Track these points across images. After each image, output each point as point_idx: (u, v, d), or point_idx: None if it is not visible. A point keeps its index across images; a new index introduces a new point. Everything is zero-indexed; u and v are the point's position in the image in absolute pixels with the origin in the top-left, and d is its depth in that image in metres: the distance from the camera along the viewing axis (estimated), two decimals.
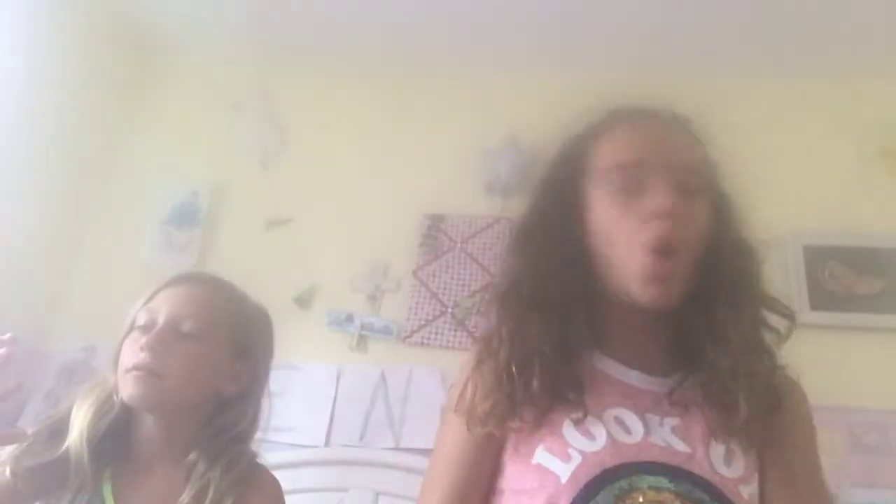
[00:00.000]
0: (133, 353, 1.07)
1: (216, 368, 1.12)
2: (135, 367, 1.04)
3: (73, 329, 2.24)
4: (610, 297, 0.86)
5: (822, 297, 2.11)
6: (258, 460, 1.14)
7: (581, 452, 0.76)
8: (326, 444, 2.02)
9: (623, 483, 0.74)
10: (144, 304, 1.12)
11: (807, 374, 2.10)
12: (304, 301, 2.25)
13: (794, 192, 2.26)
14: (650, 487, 0.74)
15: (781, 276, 2.17)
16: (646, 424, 0.81)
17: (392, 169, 2.43)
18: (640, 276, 0.81)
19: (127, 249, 2.35)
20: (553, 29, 2.38)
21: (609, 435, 0.78)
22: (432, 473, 0.89)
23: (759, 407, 0.81)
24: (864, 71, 2.36)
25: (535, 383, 0.81)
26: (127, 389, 1.05)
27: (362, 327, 2.20)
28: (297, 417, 2.01)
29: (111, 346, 1.14)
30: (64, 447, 1.02)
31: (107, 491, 1.02)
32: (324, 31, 2.51)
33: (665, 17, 2.30)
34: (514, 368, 0.83)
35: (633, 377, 0.86)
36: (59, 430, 1.05)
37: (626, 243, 0.82)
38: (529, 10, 2.33)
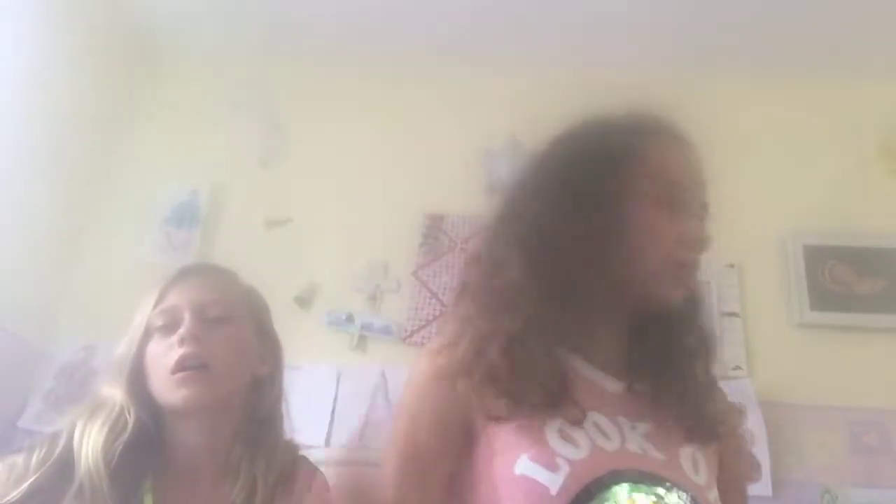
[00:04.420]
0: (167, 354, 1.00)
1: (250, 350, 1.09)
2: (180, 366, 0.99)
3: (73, 329, 2.24)
4: (604, 293, 0.85)
5: (822, 297, 2.11)
6: (301, 453, 1.12)
7: (568, 461, 0.75)
8: (326, 443, 2.02)
9: (609, 493, 0.74)
10: (155, 306, 1.06)
11: (807, 374, 2.11)
12: (304, 301, 2.25)
13: (794, 192, 2.26)
14: (636, 496, 0.75)
15: (781, 276, 2.17)
16: (619, 429, 0.81)
17: (392, 169, 2.43)
18: (669, 283, 0.85)
19: (127, 249, 2.35)
20: (553, 29, 2.38)
21: (591, 441, 0.78)
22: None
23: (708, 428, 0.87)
24: (865, 71, 2.36)
25: (534, 380, 0.79)
26: (178, 393, 0.98)
27: (362, 327, 2.20)
28: (297, 417, 2.00)
29: (111, 350, 1.08)
30: (77, 483, 0.93)
31: (148, 503, 0.96)
32: (324, 31, 2.51)
33: (665, 18, 2.30)
34: (512, 360, 0.81)
35: (601, 377, 0.86)
36: (64, 464, 0.95)
37: (661, 257, 0.84)
38: (529, 10, 2.33)
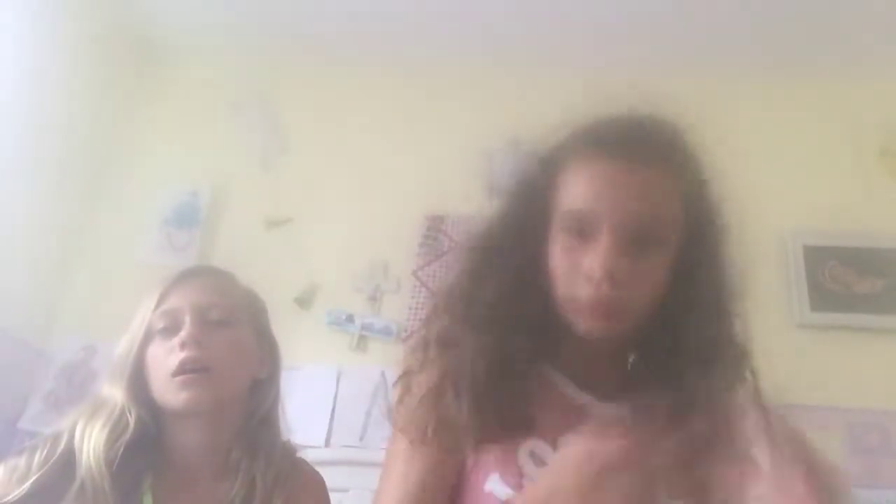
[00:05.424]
0: (169, 357, 1.00)
1: (250, 352, 1.10)
2: (181, 369, 0.99)
3: (73, 329, 2.24)
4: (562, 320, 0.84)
5: (822, 297, 2.12)
6: (298, 455, 1.13)
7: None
8: (327, 444, 2.02)
9: None
10: (156, 307, 1.05)
11: (807, 374, 2.10)
12: (304, 301, 2.25)
13: (794, 192, 2.26)
14: None
15: (781, 276, 2.17)
16: None
17: (392, 169, 2.43)
18: (577, 314, 0.80)
19: (127, 249, 2.35)
20: (554, 29, 2.39)
21: None
22: (383, 494, 0.83)
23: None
24: (864, 71, 2.36)
25: (467, 404, 0.78)
26: (179, 396, 0.99)
27: (362, 327, 2.20)
28: (297, 417, 2.00)
29: (111, 351, 1.08)
30: (78, 482, 0.94)
31: (147, 502, 0.97)
32: (324, 30, 2.52)
33: (665, 18, 2.31)
34: (447, 385, 0.80)
35: (580, 396, 0.85)
36: (66, 463, 0.96)
37: (568, 289, 0.81)
38: (530, 11, 2.33)
